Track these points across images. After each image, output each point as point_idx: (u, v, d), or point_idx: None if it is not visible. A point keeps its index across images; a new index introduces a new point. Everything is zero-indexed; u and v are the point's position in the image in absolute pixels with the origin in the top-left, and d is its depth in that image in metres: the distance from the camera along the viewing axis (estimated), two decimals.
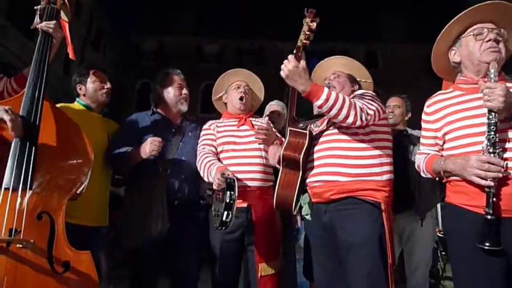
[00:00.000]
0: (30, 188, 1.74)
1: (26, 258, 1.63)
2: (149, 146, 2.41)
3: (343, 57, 2.53)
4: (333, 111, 2.03)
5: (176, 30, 24.77)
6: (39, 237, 1.70)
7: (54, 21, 2.14)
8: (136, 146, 2.49)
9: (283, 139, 2.47)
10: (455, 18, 1.93)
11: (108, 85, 2.71)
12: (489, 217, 1.64)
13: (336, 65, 2.52)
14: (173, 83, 2.81)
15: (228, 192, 2.16)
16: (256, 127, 2.56)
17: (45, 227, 1.74)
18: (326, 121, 2.35)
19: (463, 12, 1.90)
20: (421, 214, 3.05)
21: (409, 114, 3.38)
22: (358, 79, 2.50)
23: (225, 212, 2.15)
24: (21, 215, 1.68)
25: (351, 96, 2.31)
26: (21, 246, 1.63)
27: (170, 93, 2.79)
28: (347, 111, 2.03)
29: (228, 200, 2.14)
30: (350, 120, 2.05)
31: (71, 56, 2.40)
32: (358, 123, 2.06)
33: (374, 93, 2.34)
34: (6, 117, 1.71)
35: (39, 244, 1.69)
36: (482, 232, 1.65)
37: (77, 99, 2.69)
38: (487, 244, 1.63)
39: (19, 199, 1.70)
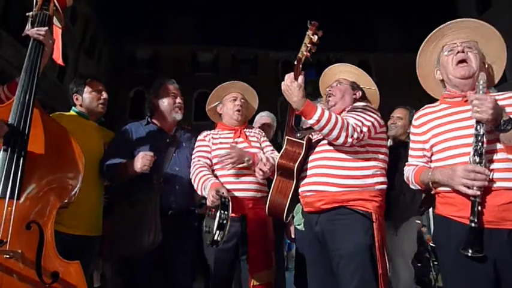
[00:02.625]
0: (17, 197, 1.69)
1: (13, 269, 1.59)
2: (140, 161, 2.39)
3: (347, 64, 2.55)
4: (324, 131, 2.10)
5: (171, 39, 24.82)
6: (28, 247, 1.66)
7: (45, 28, 2.10)
8: (129, 159, 2.47)
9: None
10: (421, 47, 2.10)
11: (105, 95, 2.70)
12: (473, 225, 1.67)
13: (340, 73, 2.54)
14: (167, 93, 2.80)
15: (222, 212, 2.15)
16: (218, 156, 2.52)
17: (34, 236, 1.70)
18: None
19: (427, 38, 2.06)
20: (396, 224, 3.05)
21: None
22: (361, 86, 2.50)
23: (217, 232, 2.14)
24: (7, 224, 1.64)
25: (350, 107, 2.33)
26: (8, 256, 1.59)
27: (164, 102, 2.78)
28: (338, 132, 2.08)
29: (221, 220, 2.14)
30: (340, 140, 2.10)
31: (59, 61, 2.37)
32: (349, 143, 2.11)
33: (372, 107, 2.35)
34: None
35: (27, 254, 1.65)
36: (466, 239, 1.68)
37: (73, 108, 2.67)
38: (470, 251, 1.66)
39: (6, 208, 1.66)
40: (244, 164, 2.53)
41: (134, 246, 2.34)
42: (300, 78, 2.14)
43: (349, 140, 2.10)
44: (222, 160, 2.49)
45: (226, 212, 2.16)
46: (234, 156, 2.48)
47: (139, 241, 2.34)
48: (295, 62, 2.16)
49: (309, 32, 2.13)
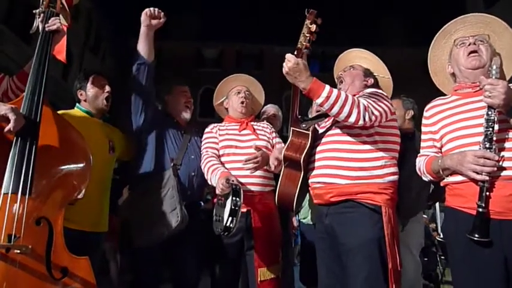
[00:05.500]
0: (29, 193, 1.70)
1: (24, 264, 1.61)
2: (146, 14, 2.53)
3: (363, 50, 2.48)
4: (335, 109, 1.99)
5: (175, 35, 24.79)
6: (38, 243, 1.68)
7: (57, 18, 2.14)
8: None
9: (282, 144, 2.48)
10: (433, 42, 2.12)
11: (108, 89, 2.70)
12: (481, 210, 1.67)
13: (355, 59, 2.49)
14: (178, 91, 2.91)
15: (234, 199, 2.16)
16: (244, 159, 2.48)
17: (44, 232, 1.72)
18: (330, 121, 2.32)
19: (439, 32, 2.10)
20: (402, 219, 3.02)
21: (411, 112, 3.26)
22: (375, 74, 2.45)
23: (229, 218, 2.15)
24: (20, 220, 1.65)
25: (360, 92, 2.28)
26: (19, 251, 1.60)
27: (175, 99, 2.88)
28: (349, 109, 1.98)
29: (233, 206, 2.15)
30: (352, 119, 1.99)
31: (61, 58, 2.38)
32: (361, 122, 2.01)
33: (383, 93, 2.28)
34: (12, 117, 1.69)
35: (37, 250, 1.66)
36: (473, 223, 1.69)
37: (77, 105, 2.69)
38: (476, 235, 1.67)
39: (18, 204, 1.67)
40: (267, 167, 2.55)
41: (162, 229, 2.40)
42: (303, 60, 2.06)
43: (361, 119, 1.99)
44: (248, 163, 2.45)
45: (238, 199, 2.17)
46: (259, 161, 2.46)
47: (166, 223, 2.40)
48: (295, 53, 2.08)
49: (307, 21, 2.06)
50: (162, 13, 2.56)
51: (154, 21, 2.55)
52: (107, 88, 2.70)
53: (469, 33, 2.00)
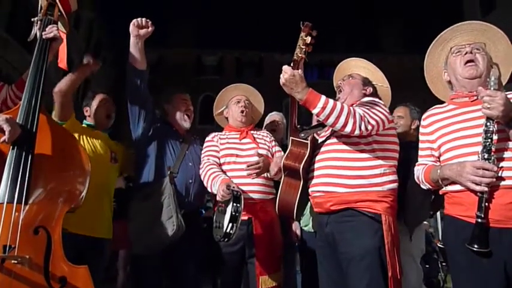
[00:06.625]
0: (26, 202, 1.69)
1: (21, 274, 1.59)
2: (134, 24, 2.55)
3: (362, 60, 2.52)
4: (330, 120, 2.02)
5: (175, 43, 24.87)
6: (36, 253, 1.66)
7: (54, 25, 2.15)
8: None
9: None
10: (429, 49, 2.13)
11: (109, 106, 2.85)
12: (480, 220, 1.67)
13: (354, 67, 2.52)
14: (178, 99, 2.93)
15: (234, 204, 2.16)
16: (246, 165, 2.51)
17: (42, 241, 1.71)
18: (329, 130, 2.33)
19: (435, 39, 2.09)
20: (409, 228, 3.00)
21: (417, 123, 3.20)
22: (374, 83, 2.47)
23: (230, 224, 2.15)
24: (16, 230, 1.64)
25: (358, 101, 2.30)
26: (16, 262, 1.59)
27: (176, 108, 2.90)
28: (345, 119, 2.01)
29: (233, 212, 2.15)
30: (348, 128, 2.02)
31: (62, 65, 2.39)
32: (357, 132, 2.04)
33: (381, 102, 2.30)
34: (6, 128, 1.69)
35: (35, 259, 1.65)
36: (472, 234, 1.69)
37: (84, 120, 2.84)
38: (476, 246, 1.66)
39: (14, 213, 1.66)
40: (267, 174, 2.56)
41: (159, 237, 2.40)
42: (300, 71, 2.10)
43: (357, 129, 2.02)
44: (250, 168, 2.47)
45: (238, 205, 2.17)
46: (261, 167, 2.48)
47: (163, 232, 2.40)
48: (291, 65, 2.12)
49: (302, 34, 2.10)
50: (150, 22, 2.58)
51: (142, 31, 2.57)
52: (109, 106, 2.86)
53: (466, 40, 2.01)
